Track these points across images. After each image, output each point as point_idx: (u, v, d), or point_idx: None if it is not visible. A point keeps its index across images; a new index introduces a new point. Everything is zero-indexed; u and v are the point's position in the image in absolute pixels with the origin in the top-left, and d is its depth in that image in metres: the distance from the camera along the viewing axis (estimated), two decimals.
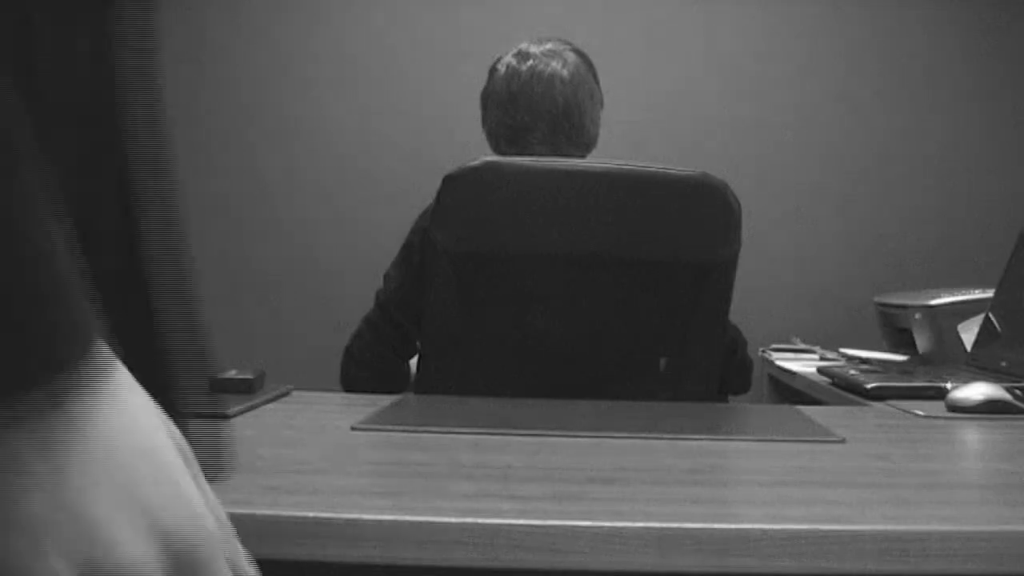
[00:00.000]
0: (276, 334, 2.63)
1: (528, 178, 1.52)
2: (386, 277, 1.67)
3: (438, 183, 1.50)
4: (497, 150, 1.73)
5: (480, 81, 1.75)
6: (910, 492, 0.83)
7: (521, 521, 0.69)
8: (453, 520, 0.70)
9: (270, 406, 1.22)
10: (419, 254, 1.58)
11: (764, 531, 0.69)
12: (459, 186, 1.50)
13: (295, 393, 1.33)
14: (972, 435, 1.14)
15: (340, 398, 1.42)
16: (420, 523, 0.70)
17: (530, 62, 1.68)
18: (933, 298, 1.93)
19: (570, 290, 1.54)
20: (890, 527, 0.70)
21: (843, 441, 1.05)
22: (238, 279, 2.65)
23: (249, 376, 1.27)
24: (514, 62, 1.69)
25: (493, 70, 1.73)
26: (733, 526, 0.69)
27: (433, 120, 2.64)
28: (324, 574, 0.73)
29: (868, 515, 0.73)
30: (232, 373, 1.28)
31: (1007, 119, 2.64)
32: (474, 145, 2.66)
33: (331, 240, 2.66)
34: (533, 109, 1.66)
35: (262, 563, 0.73)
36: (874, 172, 2.65)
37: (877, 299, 2.23)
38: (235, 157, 2.66)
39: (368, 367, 1.66)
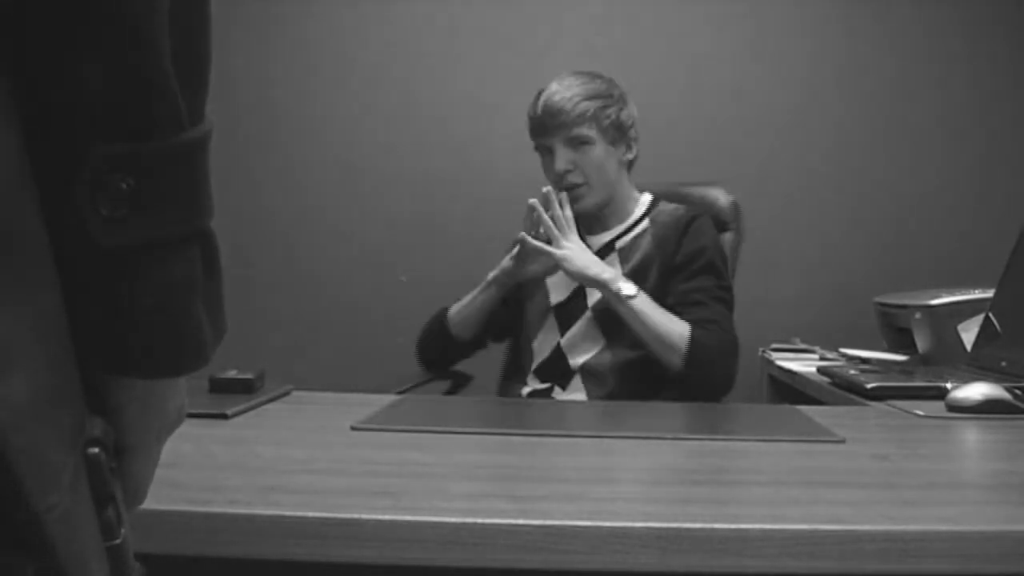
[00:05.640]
0: (276, 334, 2.63)
1: None
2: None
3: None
4: None
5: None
6: (910, 492, 0.83)
7: (521, 521, 0.69)
8: (453, 520, 0.69)
9: (270, 406, 1.22)
10: None
11: (764, 531, 0.69)
12: None
13: (295, 393, 1.33)
14: (972, 435, 1.14)
15: (340, 398, 1.42)
16: (420, 523, 0.69)
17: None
18: (933, 298, 1.92)
19: None
20: (890, 527, 0.70)
21: (843, 441, 1.04)
22: (238, 279, 2.64)
23: (249, 376, 1.27)
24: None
25: None
26: (733, 526, 0.69)
27: (435, 122, 2.63)
28: (324, 574, 0.73)
29: (868, 515, 0.73)
30: (232, 373, 1.28)
31: (1007, 119, 2.64)
32: (475, 147, 2.66)
33: (331, 240, 2.65)
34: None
35: (262, 563, 0.73)
36: (874, 172, 2.64)
37: (877, 299, 2.22)
38: (235, 157, 2.66)
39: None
